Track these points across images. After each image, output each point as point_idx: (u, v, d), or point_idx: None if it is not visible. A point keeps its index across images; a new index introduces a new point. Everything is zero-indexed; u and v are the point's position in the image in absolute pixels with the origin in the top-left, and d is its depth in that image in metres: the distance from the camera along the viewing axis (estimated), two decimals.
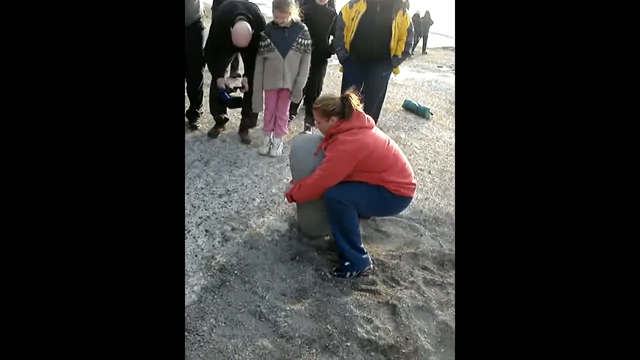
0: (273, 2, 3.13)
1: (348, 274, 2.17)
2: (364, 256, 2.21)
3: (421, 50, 13.62)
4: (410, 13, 3.88)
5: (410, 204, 3.04)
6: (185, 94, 3.78)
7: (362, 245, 2.24)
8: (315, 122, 2.33)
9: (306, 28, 3.22)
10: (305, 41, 3.20)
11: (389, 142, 2.23)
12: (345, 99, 2.18)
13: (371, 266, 2.24)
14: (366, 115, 2.23)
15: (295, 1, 3.24)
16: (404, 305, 2.04)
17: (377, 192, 2.17)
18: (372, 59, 3.46)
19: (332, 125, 2.21)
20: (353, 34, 3.42)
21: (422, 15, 13.03)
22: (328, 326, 1.86)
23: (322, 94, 3.95)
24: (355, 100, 2.19)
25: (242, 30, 3.02)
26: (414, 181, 2.26)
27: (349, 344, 1.79)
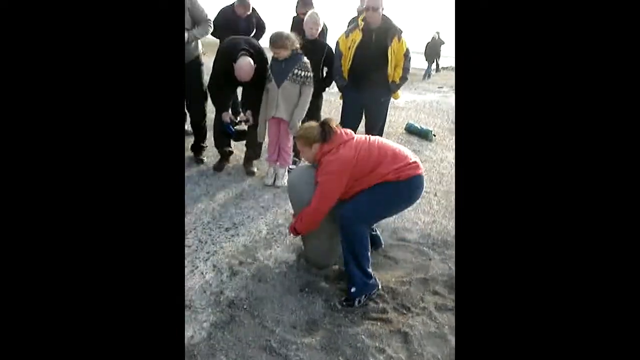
0: (269, 38, 3.24)
1: (357, 301, 2.15)
2: (371, 281, 2.20)
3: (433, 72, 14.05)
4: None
5: (418, 227, 3.05)
6: (190, 128, 3.86)
7: (370, 270, 2.22)
8: (300, 152, 2.36)
9: (305, 60, 3.29)
10: (303, 72, 3.26)
11: (369, 140, 2.25)
12: (323, 124, 2.26)
13: (379, 287, 2.22)
14: (343, 129, 2.28)
15: (296, 36, 3.31)
16: (416, 332, 2.01)
17: (381, 191, 2.16)
18: (370, 86, 3.51)
19: (315, 152, 2.27)
20: (350, 62, 3.49)
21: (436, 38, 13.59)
22: (340, 358, 1.83)
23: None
24: (333, 122, 2.27)
25: (245, 65, 3.13)
26: (412, 160, 2.23)
27: None
